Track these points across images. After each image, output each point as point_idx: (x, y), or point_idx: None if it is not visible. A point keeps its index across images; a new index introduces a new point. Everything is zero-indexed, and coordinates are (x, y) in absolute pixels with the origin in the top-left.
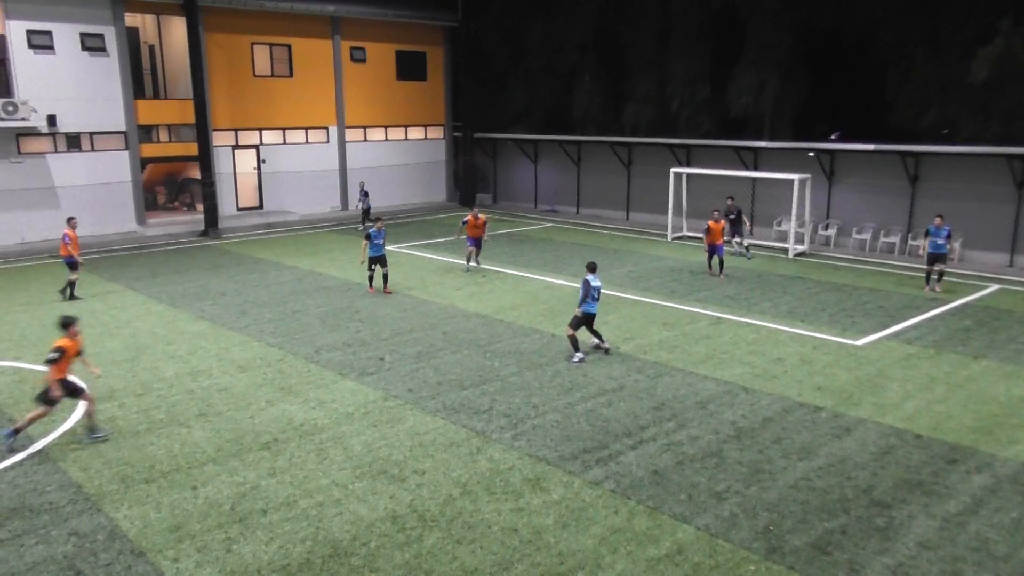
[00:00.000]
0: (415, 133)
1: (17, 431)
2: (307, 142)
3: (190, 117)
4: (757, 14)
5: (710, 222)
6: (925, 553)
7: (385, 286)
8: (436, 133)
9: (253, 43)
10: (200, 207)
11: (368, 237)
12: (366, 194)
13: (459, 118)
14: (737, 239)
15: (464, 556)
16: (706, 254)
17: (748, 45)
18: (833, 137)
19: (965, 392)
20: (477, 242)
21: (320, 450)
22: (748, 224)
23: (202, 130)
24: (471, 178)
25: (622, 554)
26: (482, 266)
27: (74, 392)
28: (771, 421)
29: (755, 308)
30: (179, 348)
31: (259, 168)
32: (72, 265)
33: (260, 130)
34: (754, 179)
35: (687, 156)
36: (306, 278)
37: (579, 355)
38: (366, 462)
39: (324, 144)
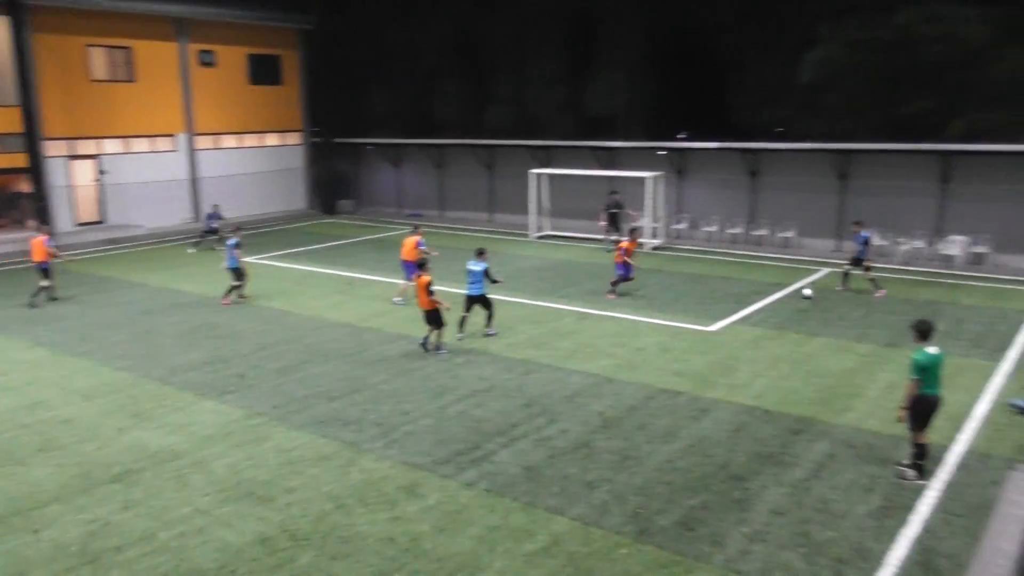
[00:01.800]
0: (271, 139)
1: None
2: (153, 151)
3: (18, 126)
4: (609, 18)
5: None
6: (777, 519)
7: (225, 296)
8: (294, 139)
9: (89, 45)
10: (32, 224)
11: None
12: (216, 216)
13: (318, 123)
14: (615, 236)
15: (340, 572)
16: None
17: (601, 48)
18: (681, 136)
19: (805, 368)
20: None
21: (179, 477)
22: (634, 217)
23: (31, 140)
24: (332, 185)
25: (500, 552)
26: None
27: None
28: (636, 409)
29: (616, 302)
30: (12, 379)
31: (99, 179)
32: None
33: (99, 139)
34: (611, 178)
35: (547, 157)
36: (158, 295)
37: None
38: (231, 485)
39: (172, 153)
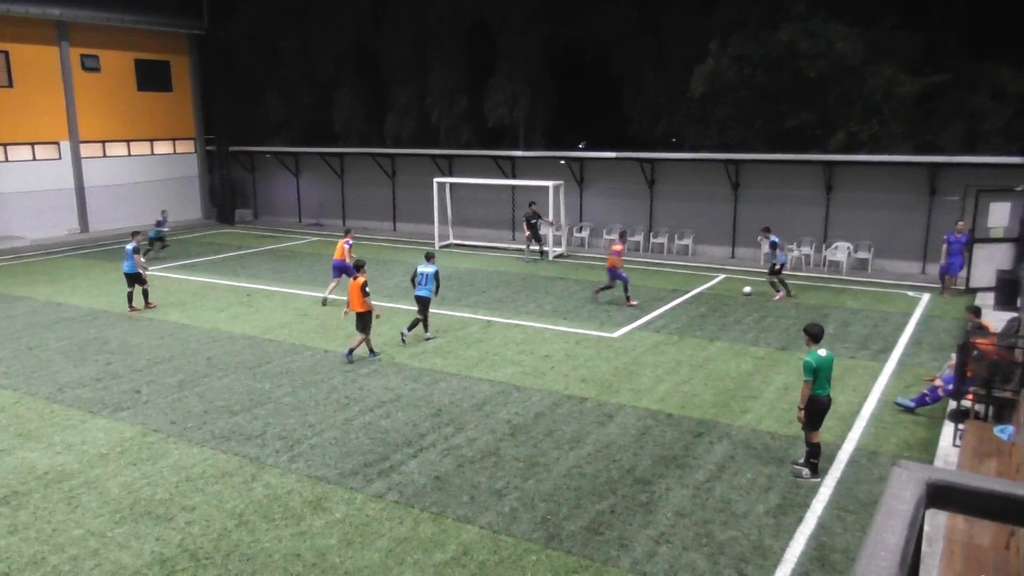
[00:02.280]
0: (162, 147)
1: None
2: (34, 159)
3: None
4: (507, 29)
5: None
6: (682, 520)
7: (128, 304)
8: (186, 147)
9: None
10: None
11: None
12: (164, 223)
13: (212, 131)
14: (534, 246)
15: None
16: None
17: (501, 59)
18: (580, 146)
19: (705, 372)
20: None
21: (71, 498)
22: (551, 223)
23: None
24: (229, 194)
25: (409, 563)
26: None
27: None
28: (543, 416)
29: (522, 309)
30: None
31: None
32: None
33: None
34: (513, 186)
35: (449, 166)
36: (43, 309)
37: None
38: (126, 505)
39: (55, 160)
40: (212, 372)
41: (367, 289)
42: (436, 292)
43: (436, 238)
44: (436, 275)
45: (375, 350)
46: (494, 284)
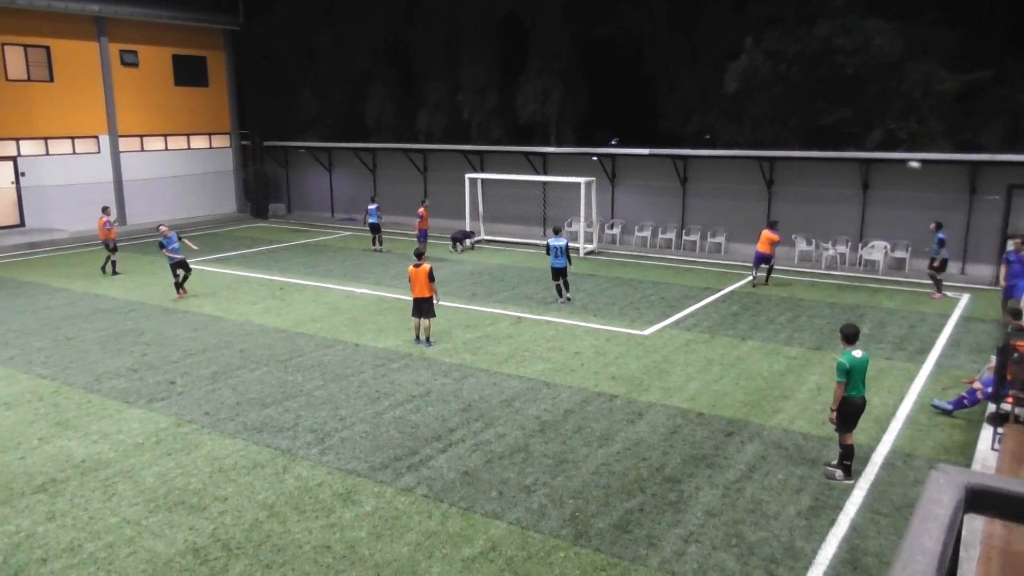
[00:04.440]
0: (198, 142)
1: None
2: (74, 152)
3: None
4: (540, 26)
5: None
6: (711, 520)
7: (179, 292)
8: (222, 142)
9: (3, 44)
10: None
11: (161, 247)
12: (372, 209)
13: (247, 126)
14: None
15: None
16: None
17: (532, 55)
18: (613, 142)
19: (736, 371)
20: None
21: (107, 487)
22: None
23: None
24: (263, 188)
25: (438, 557)
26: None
27: None
28: (572, 412)
29: (552, 306)
30: None
31: (18, 182)
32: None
33: (17, 140)
34: (544, 183)
35: (481, 162)
36: (81, 300)
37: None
38: (161, 494)
39: (95, 154)
40: (245, 364)
41: (434, 275)
42: (570, 261)
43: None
44: (567, 247)
45: (420, 339)
46: (524, 280)
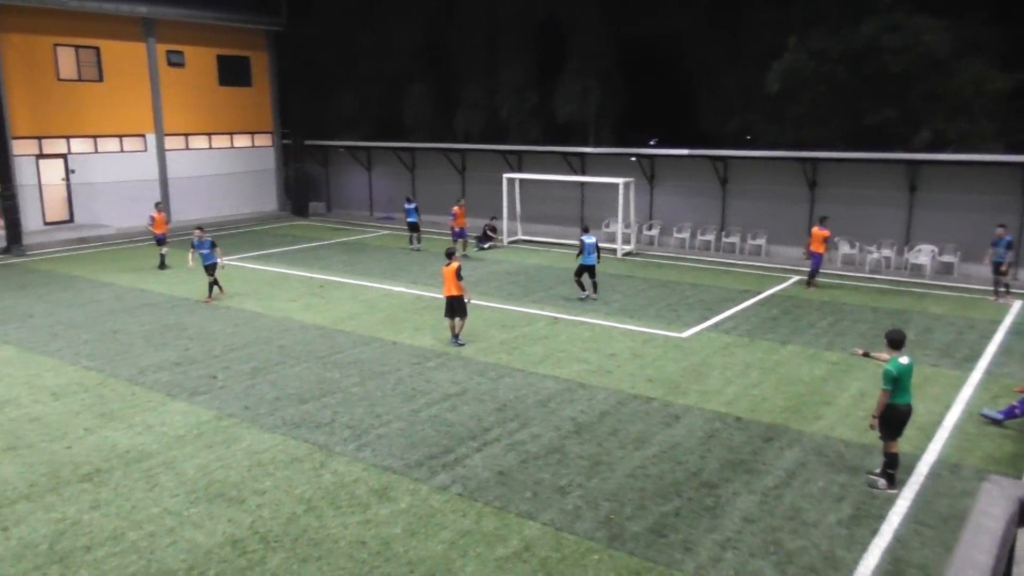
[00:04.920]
0: (241, 141)
1: None
2: (122, 150)
3: None
4: (579, 26)
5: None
6: (749, 527)
7: (208, 296)
8: (264, 140)
9: (56, 45)
10: (0, 222)
11: (192, 247)
12: (409, 208)
13: (288, 125)
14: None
15: (311, 574)
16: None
17: (571, 55)
18: (651, 143)
19: (776, 375)
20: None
21: (149, 477)
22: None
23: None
24: (303, 187)
25: (472, 557)
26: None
27: None
28: (608, 414)
29: (588, 307)
30: None
31: (68, 179)
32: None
33: (68, 138)
34: (582, 183)
35: (519, 162)
36: (127, 295)
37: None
38: (201, 486)
39: (141, 152)
40: (284, 360)
41: (461, 274)
42: (598, 259)
43: (505, 233)
44: (596, 244)
45: (457, 337)
46: (561, 281)
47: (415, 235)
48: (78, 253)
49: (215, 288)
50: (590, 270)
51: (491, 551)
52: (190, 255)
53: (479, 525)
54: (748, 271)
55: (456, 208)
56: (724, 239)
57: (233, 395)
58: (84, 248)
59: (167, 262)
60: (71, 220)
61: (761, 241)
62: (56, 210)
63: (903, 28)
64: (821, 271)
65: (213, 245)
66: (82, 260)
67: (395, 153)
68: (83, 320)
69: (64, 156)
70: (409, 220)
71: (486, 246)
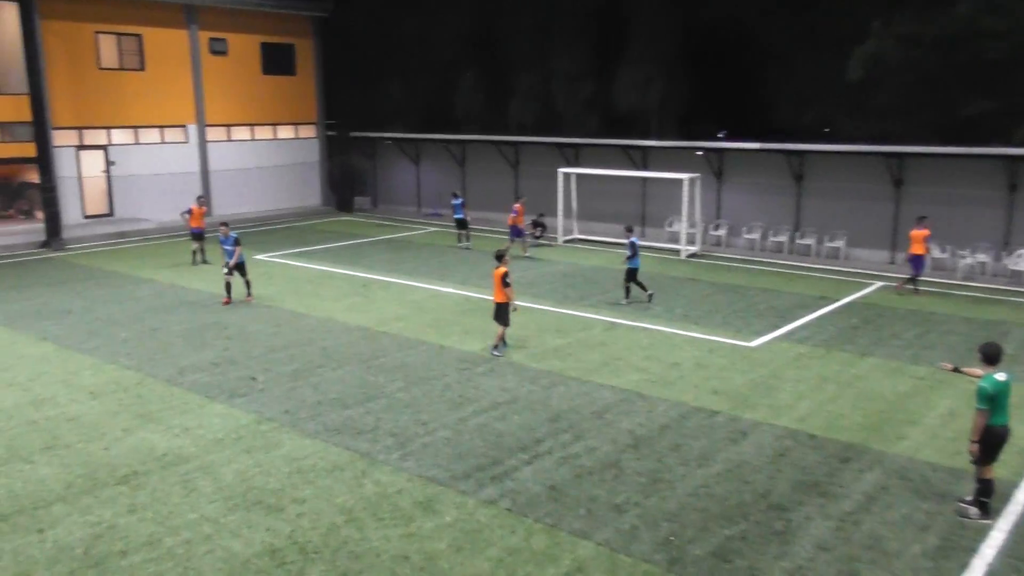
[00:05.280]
0: (284, 132)
1: None
2: (163, 142)
3: (26, 114)
4: (640, 9)
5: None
6: (822, 555)
7: (247, 293)
8: (308, 132)
9: (98, 32)
10: (40, 215)
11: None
12: (456, 204)
13: (333, 116)
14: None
15: None
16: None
17: (632, 40)
18: (720, 136)
19: (854, 390)
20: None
21: (186, 482)
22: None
23: (40, 129)
24: (348, 180)
25: None
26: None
27: None
28: (668, 428)
29: (649, 312)
30: (18, 374)
31: (108, 171)
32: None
33: (108, 129)
34: (644, 179)
35: (575, 155)
36: (166, 292)
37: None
38: (239, 492)
39: (182, 144)
40: (326, 363)
41: (508, 280)
42: (631, 257)
43: (560, 232)
44: (634, 243)
45: (504, 344)
46: (619, 283)
47: (463, 232)
48: (117, 248)
49: (232, 290)
50: (630, 272)
51: (541, 571)
52: (223, 255)
53: (529, 543)
54: (824, 276)
55: (518, 205)
56: (798, 241)
57: (273, 398)
58: (123, 243)
59: (208, 258)
60: (111, 214)
61: (839, 243)
62: (96, 203)
63: (1004, 9)
64: (904, 276)
65: (237, 242)
66: (121, 255)
67: (444, 146)
68: (121, 317)
69: (104, 147)
70: (456, 217)
71: (539, 234)
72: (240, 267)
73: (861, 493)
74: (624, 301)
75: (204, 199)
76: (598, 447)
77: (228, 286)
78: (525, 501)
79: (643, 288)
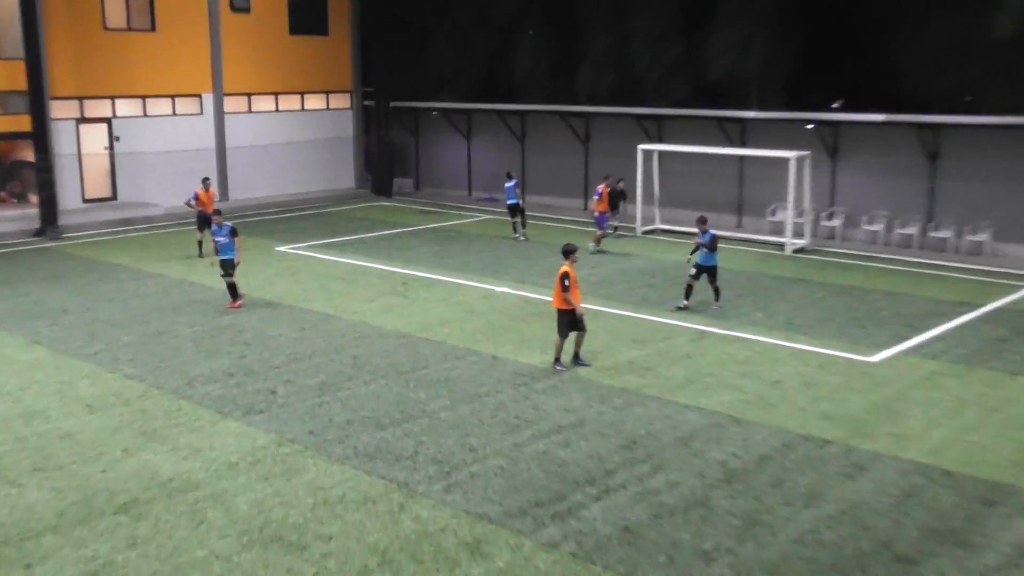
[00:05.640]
0: (314, 102)
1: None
2: (174, 113)
3: (21, 82)
4: None
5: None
6: None
7: (232, 299)
8: (341, 102)
9: None
10: (34, 198)
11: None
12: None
13: (371, 83)
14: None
15: None
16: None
17: None
18: (835, 106)
19: (1002, 417)
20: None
21: (195, 512)
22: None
23: (36, 99)
24: (387, 159)
25: None
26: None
27: None
28: (768, 460)
29: (746, 319)
30: (5, 383)
31: (112, 147)
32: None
33: (113, 99)
34: (741, 158)
35: (658, 129)
36: (175, 289)
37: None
38: (255, 526)
39: (196, 116)
40: (358, 375)
41: (567, 282)
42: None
43: (638, 220)
44: (714, 236)
45: (560, 361)
46: (707, 285)
47: (517, 221)
48: (121, 237)
49: (236, 295)
50: (709, 272)
51: None
52: (212, 245)
53: None
54: (964, 276)
55: (602, 186)
56: (931, 234)
57: (296, 416)
58: (128, 231)
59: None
60: (114, 197)
61: (983, 237)
62: (97, 185)
63: None
64: None
65: (233, 233)
66: (125, 245)
67: (501, 118)
68: (124, 318)
69: (108, 120)
70: (509, 202)
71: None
72: (227, 264)
73: (1009, 544)
74: (685, 303)
75: (210, 181)
76: (682, 481)
77: (232, 287)
78: (593, 544)
79: (716, 293)
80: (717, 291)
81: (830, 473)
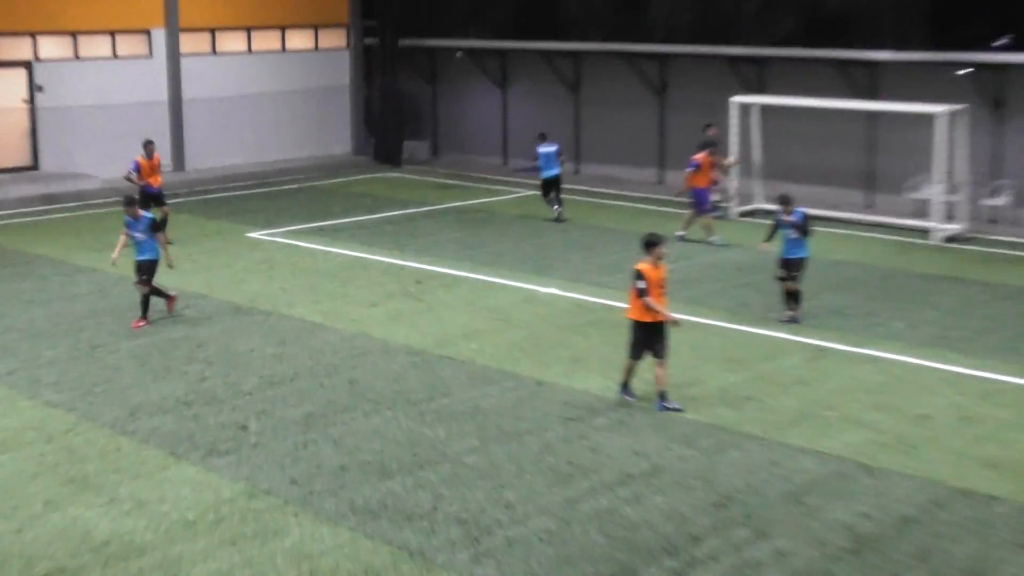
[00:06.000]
0: (298, 40)
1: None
2: (114, 56)
3: None
4: None
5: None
6: None
7: (142, 315)
8: (334, 40)
9: None
10: None
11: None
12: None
13: (374, 15)
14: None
15: None
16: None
17: None
18: (1001, 43)
19: None
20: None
21: None
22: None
23: None
24: (394, 115)
25: None
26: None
27: None
28: (913, 522)
29: (879, 331)
30: None
31: (32, 101)
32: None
33: (33, 35)
34: (871, 115)
35: (758, 76)
36: (114, 288)
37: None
38: None
39: (144, 59)
40: (356, 404)
41: (641, 284)
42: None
43: (734, 198)
44: (805, 218)
45: (629, 386)
46: (831, 285)
47: (551, 196)
48: (44, 219)
49: (150, 305)
50: (794, 265)
51: None
52: (119, 244)
53: None
54: None
55: (701, 156)
56: None
57: (273, 458)
58: (53, 211)
59: (170, 237)
60: (35, 167)
61: None
62: (12, 151)
63: None
64: None
65: (155, 227)
66: (49, 230)
67: (547, 60)
68: (47, 326)
69: (27, 64)
70: (548, 174)
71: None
72: (148, 266)
73: None
74: (790, 313)
75: (154, 145)
76: (795, 551)
77: (145, 300)
78: None
79: (793, 301)
80: (798, 296)
81: (998, 541)
